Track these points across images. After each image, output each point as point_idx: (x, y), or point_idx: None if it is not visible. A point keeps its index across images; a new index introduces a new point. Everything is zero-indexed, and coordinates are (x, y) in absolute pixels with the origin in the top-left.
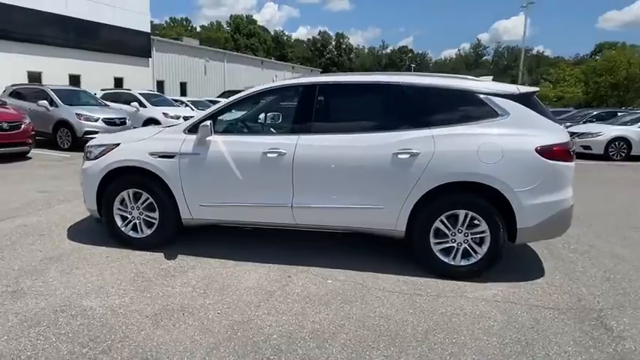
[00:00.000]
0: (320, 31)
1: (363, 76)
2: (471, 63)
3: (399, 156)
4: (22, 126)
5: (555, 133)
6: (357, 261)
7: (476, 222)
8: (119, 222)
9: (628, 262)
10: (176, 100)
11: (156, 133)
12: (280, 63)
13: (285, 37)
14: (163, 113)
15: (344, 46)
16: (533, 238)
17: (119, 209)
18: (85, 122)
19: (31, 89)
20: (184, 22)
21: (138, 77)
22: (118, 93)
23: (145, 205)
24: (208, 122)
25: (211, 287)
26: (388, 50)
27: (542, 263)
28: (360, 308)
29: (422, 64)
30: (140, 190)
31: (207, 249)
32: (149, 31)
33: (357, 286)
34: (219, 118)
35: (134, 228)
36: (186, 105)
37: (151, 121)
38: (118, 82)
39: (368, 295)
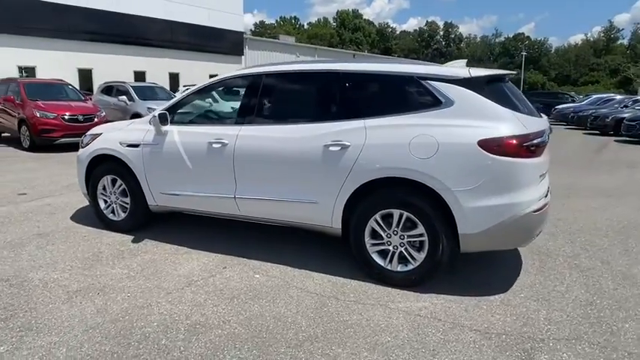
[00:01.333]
0: (427, 21)
1: (302, 64)
2: (600, 49)
3: (330, 148)
4: (96, 119)
5: (512, 124)
6: (303, 257)
7: (413, 224)
8: (102, 205)
9: (636, 285)
10: None
11: (129, 124)
12: (373, 55)
13: (390, 30)
14: (232, 107)
15: (452, 36)
16: (482, 247)
17: (102, 193)
18: None
19: (117, 86)
20: (293, 21)
21: None
22: None
23: (120, 190)
24: (157, 113)
25: (145, 271)
26: (502, 38)
27: (519, 277)
28: (261, 306)
29: (540, 52)
30: (116, 177)
31: (173, 235)
32: (242, 30)
33: (280, 283)
34: (179, 109)
35: (113, 211)
36: None
37: None
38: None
39: (282, 294)
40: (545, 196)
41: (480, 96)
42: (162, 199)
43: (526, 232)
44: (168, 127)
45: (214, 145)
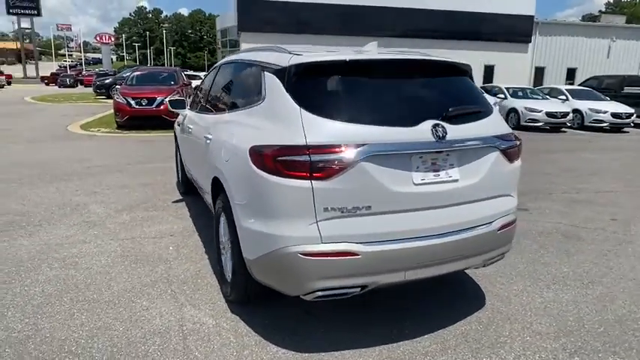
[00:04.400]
0: None
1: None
2: None
3: (207, 141)
4: None
5: (280, 130)
6: None
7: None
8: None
9: None
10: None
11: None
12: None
13: None
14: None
15: None
16: (264, 280)
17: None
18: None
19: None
20: None
21: (512, 64)
22: (487, 87)
23: (180, 160)
24: (167, 100)
25: (131, 223)
26: None
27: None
28: (117, 271)
29: None
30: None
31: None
32: (533, 14)
33: (165, 258)
34: (196, 96)
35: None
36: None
37: (512, 111)
38: (489, 70)
39: (144, 269)
40: (380, 242)
41: (284, 92)
42: (188, 173)
43: (294, 279)
44: (187, 112)
45: (190, 130)
